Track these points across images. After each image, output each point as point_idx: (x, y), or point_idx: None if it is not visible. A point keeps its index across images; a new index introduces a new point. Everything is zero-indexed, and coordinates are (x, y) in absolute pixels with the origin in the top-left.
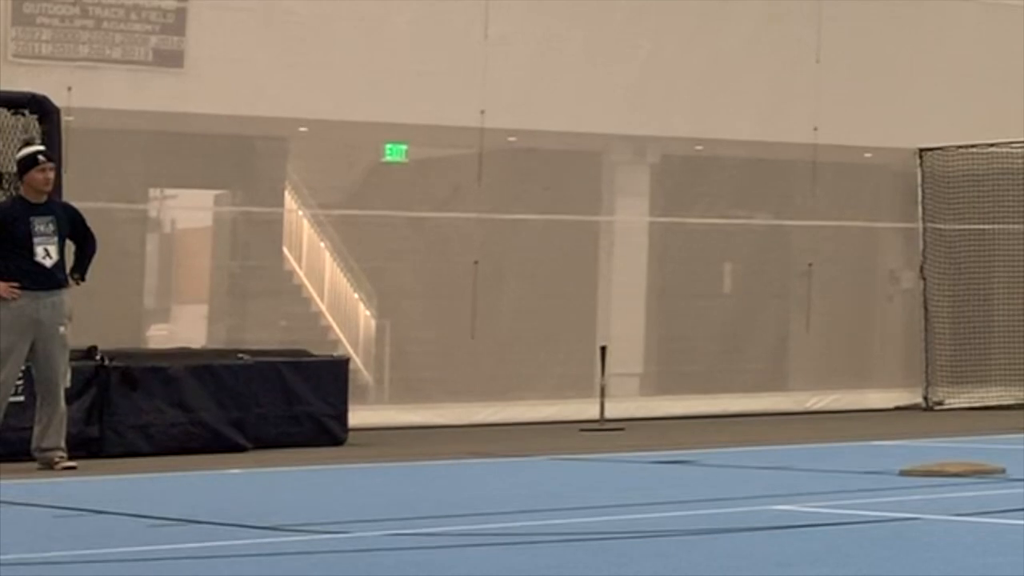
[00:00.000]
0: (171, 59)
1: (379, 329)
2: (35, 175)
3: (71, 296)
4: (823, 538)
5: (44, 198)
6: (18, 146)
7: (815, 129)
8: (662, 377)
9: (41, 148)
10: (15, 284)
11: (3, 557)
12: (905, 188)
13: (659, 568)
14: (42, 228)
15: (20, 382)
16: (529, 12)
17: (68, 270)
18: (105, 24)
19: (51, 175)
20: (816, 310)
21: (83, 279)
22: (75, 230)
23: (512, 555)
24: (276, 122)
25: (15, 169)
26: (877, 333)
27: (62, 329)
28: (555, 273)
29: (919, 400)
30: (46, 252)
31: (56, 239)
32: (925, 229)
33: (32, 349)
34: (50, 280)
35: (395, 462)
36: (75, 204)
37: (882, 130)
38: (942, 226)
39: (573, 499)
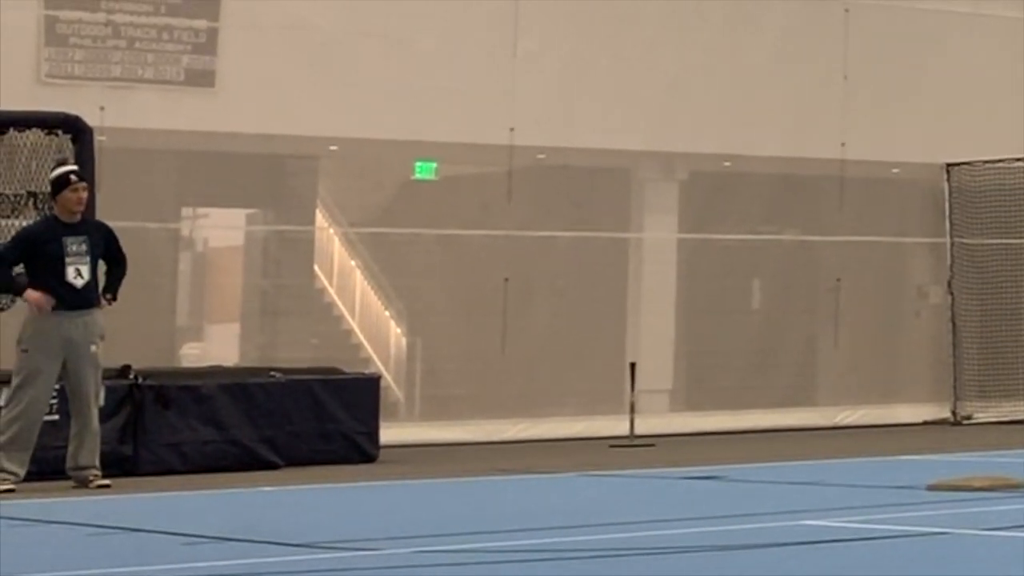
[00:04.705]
0: (203, 79)
1: (410, 346)
2: (67, 195)
3: (103, 315)
4: (852, 553)
5: (77, 218)
6: (52, 166)
7: (843, 145)
8: (691, 393)
9: (74, 168)
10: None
11: (38, 575)
12: (933, 203)
13: None
14: (74, 248)
15: (54, 401)
16: (558, 30)
17: (100, 290)
18: (137, 44)
19: (84, 195)
20: (844, 325)
21: (115, 299)
22: (108, 249)
23: (542, 571)
24: (307, 141)
25: (49, 189)
26: (905, 348)
27: (93, 348)
28: (585, 290)
29: (948, 415)
30: (77, 272)
31: (88, 259)
32: (953, 244)
33: (64, 368)
34: (81, 300)
35: (426, 479)
36: (108, 223)
37: (909, 145)
38: (970, 241)
39: (603, 515)
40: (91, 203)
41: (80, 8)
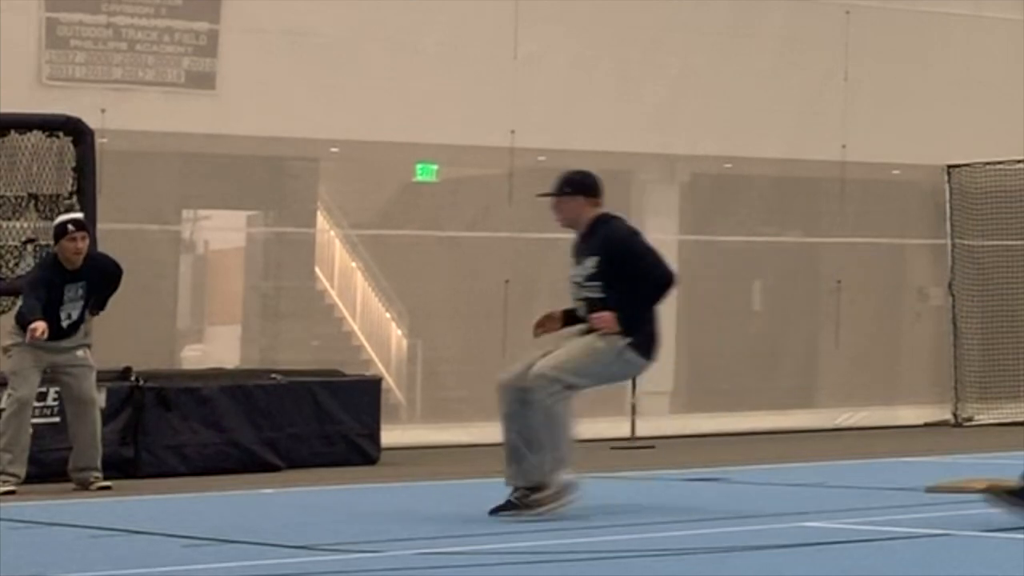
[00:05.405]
0: (203, 81)
1: (411, 348)
2: (65, 244)
3: (88, 324)
4: (853, 555)
5: (78, 264)
6: (53, 169)
7: (843, 147)
8: (692, 395)
9: (74, 217)
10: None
11: None
12: (933, 205)
13: None
14: (71, 295)
15: (55, 403)
16: (559, 32)
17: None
18: (138, 46)
19: (82, 245)
20: (845, 327)
21: (102, 309)
22: (106, 280)
23: (544, 573)
24: (308, 143)
25: (49, 191)
26: (906, 350)
27: (80, 353)
28: None
29: (948, 416)
30: (68, 315)
31: (82, 302)
32: (953, 245)
33: (56, 372)
34: (64, 334)
35: (427, 481)
36: (109, 226)
37: (910, 147)
38: (970, 242)
39: (603, 517)
40: (92, 205)
41: (81, 10)
